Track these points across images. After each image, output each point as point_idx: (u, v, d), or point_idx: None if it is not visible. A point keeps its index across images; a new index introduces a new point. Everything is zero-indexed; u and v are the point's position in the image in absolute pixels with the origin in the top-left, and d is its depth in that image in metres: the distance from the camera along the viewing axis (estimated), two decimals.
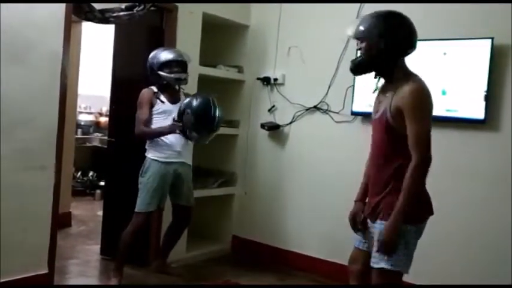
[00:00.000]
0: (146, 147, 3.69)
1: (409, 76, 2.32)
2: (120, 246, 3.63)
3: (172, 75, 3.61)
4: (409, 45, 2.35)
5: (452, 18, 3.71)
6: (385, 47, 2.29)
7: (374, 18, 2.35)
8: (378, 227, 2.32)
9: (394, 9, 3.93)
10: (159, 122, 3.64)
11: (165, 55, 3.63)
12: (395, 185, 2.28)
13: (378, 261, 2.29)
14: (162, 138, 3.62)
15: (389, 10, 2.41)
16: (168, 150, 3.64)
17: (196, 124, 3.45)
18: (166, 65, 3.61)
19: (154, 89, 3.69)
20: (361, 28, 2.36)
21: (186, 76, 3.69)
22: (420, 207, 2.31)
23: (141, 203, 3.60)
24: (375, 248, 2.31)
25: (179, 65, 3.66)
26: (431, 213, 2.38)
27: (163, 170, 3.62)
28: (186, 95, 3.73)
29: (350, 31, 2.43)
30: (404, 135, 2.25)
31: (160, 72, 3.60)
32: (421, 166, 2.22)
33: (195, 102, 3.47)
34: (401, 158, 2.28)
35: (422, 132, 2.22)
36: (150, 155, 3.65)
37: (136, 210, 3.60)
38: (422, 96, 2.24)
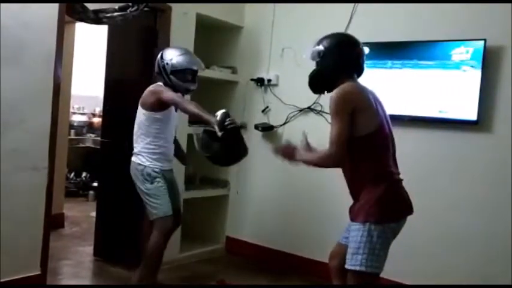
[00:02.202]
0: (142, 153, 3.39)
1: None
2: (153, 257, 3.37)
3: (183, 84, 3.41)
4: (349, 64, 2.52)
5: (444, 20, 3.73)
6: (324, 65, 2.54)
7: (318, 41, 2.59)
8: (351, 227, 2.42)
9: (387, 9, 3.98)
10: (155, 129, 3.36)
11: (182, 61, 3.39)
12: (363, 187, 2.40)
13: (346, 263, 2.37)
14: (165, 145, 3.41)
15: (331, 33, 2.61)
16: (166, 158, 3.44)
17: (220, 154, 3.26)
18: (181, 71, 3.39)
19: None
20: (309, 52, 2.60)
21: (195, 87, 3.50)
22: (380, 208, 2.33)
23: (164, 207, 3.35)
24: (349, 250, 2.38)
25: (192, 73, 3.47)
26: (400, 215, 2.43)
27: (163, 177, 3.40)
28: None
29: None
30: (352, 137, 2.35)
31: (172, 77, 3.38)
32: (328, 158, 2.37)
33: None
34: (359, 161, 2.41)
35: (334, 130, 2.33)
36: (148, 163, 3.36)
37: (161, 215, 3.34)
38: (336, 98, 2.35)
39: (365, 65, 2.59)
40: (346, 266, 2.36)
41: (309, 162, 2.54)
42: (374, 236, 2.30)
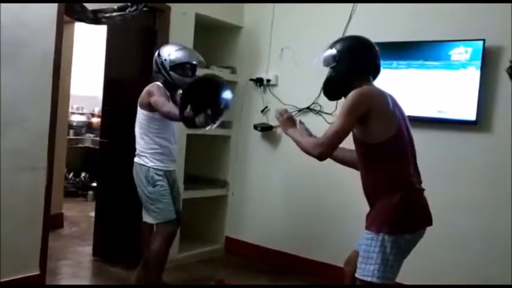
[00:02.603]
0: (144, 154, 3.35)
1: None
2: (157, 262, 3.35)
3: (184, 79, 3.33)
4: (366, 66, 2.43)
5: (444, 20, 3.73)
6: (339, 69, 2.42)
7: (330, 45, 2.47)
8: (364, 236, 2.33)
9: (386, 9, 3.98)
10: (154, 128, 3.33)
11: (181, 55, 3.35)
12: (379, 196, 2.31)
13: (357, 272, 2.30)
14: (167, 145, 3.37)
15: (343, 37, 2.56)
16: (169, 158, 3.40)
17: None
18: (180, 66, 3.35)
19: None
20: (322, 57, 2.49)
21: None
22: (395, 218, 2.25)
23: (166, 212, 3.31)
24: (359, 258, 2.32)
25: (192, 68, 3.41)
26: (417, 226, 2.34)
27: (166, 178, 3.39)
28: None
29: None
30: (366, 142, 2.31)
31: (172, 73, 3.32)
32: (315, 148, 2.27)
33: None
34: (376, 169, 2.33)
35: (335, 126, 2.24)
36: (151, 164, 3.32)
37: (162, 221, 3.31)
38: (351, 97, 2.26)
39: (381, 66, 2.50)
40: (357, 275, 2.28)
41: (296, 141, 2.43)
42: (387, 247, 2.22)
